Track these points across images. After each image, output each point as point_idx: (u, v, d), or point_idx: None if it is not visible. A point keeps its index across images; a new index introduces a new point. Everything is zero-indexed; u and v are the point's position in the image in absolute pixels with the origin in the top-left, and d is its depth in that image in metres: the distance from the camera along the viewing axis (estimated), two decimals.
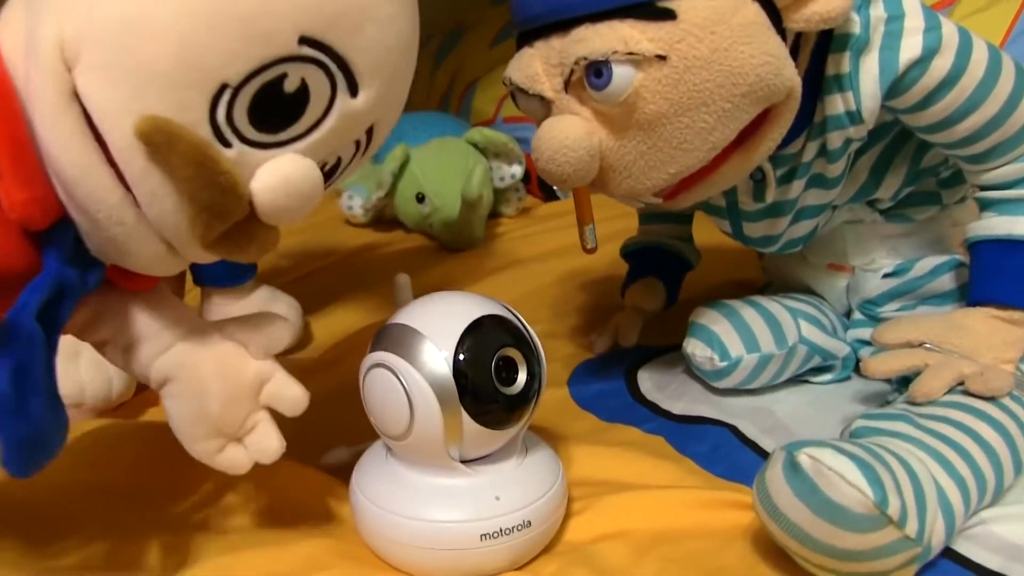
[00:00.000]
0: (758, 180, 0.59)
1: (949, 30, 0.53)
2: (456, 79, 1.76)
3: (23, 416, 0.34)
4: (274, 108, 0.34)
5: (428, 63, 1.89)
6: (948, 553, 0.45)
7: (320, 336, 0.81)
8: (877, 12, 0.52)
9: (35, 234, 0.36)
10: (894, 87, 0.53)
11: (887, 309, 0.65)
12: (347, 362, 0.72)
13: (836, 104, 0.54)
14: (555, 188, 1.28)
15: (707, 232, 0.96)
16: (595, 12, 0.48)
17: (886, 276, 0.65)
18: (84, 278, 0.38)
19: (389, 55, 0.37)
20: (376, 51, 0.36)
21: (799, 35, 0.52)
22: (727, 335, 0.62)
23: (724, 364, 0.61)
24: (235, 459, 0.44)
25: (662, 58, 0.47)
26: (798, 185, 0.59)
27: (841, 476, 0.40)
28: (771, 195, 0.59)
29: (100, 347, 0.44)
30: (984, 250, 0.57)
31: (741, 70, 0.47)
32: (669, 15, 0.47)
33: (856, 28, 0.52)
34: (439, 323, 0.44)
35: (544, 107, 0.53)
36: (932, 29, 0.52)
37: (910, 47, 0.52)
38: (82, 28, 0.32)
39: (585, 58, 0.48)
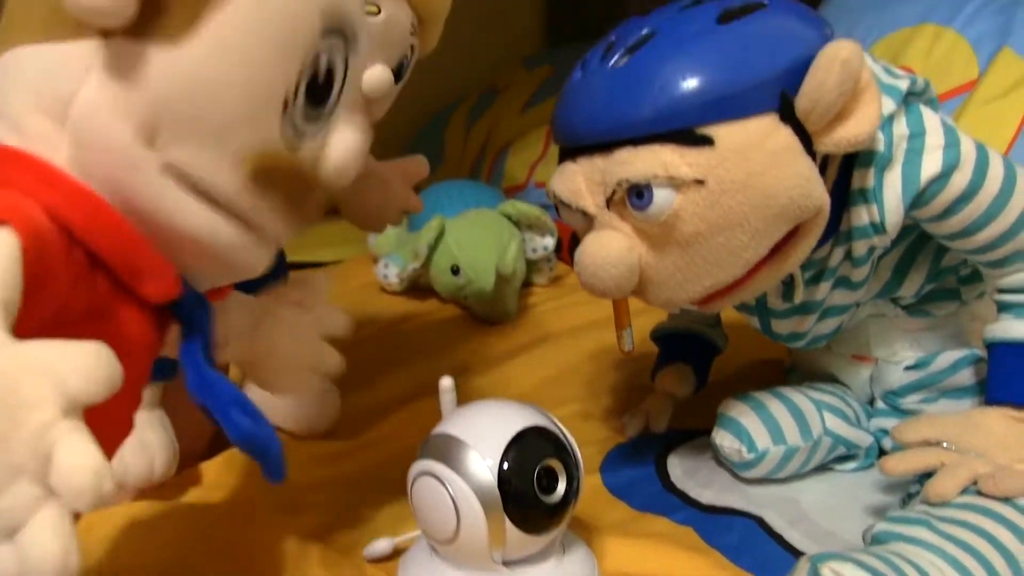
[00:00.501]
0: (787, 283, 0.62)
1: (968, 147, 0.56)
2: (489, 141, 1.80)
3: (268, 442, 0.40)
4: (317, 91, 0.39)
5: (463, 122, 1.94)
6: None
7: (356, 412, 0.82)
8: (900, 130, 0.55)
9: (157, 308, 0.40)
10: (916, 201, 0.56)
11: (909, 400, 0.67)
12: (386, 446, 0.75)
13: (861, 215, 0.57)
14: None
15: (737, 315, 1.00)
16: (638, 137, 0.51)
17: (908, 368, 0.67)
18: (206, 315, 0.42)
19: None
20: (363, 16, 0.41)
21: (827, 159, 0.55)
22: (754, 428, 0.64)
23: (751, 456, 0.64)
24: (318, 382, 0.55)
25: (700, 182, 0.50)
26: (825, 287, 0.62)
27: None
28: (799, 296, 0.62)
29: None
30: (1001, 352, 0.59)
31: (774, 192, 0.50)
32: (707, 141, 0.50)
33: (880, 146, 0.55)
34: (484, 434, 0.47)
35: (587, 221, 0.56)
36: (951, 146, 0.55)
37: (931, 163, 0.55)
38: (149, 111, 0.34)
39: (628, 180, 0.51)
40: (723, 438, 0.65)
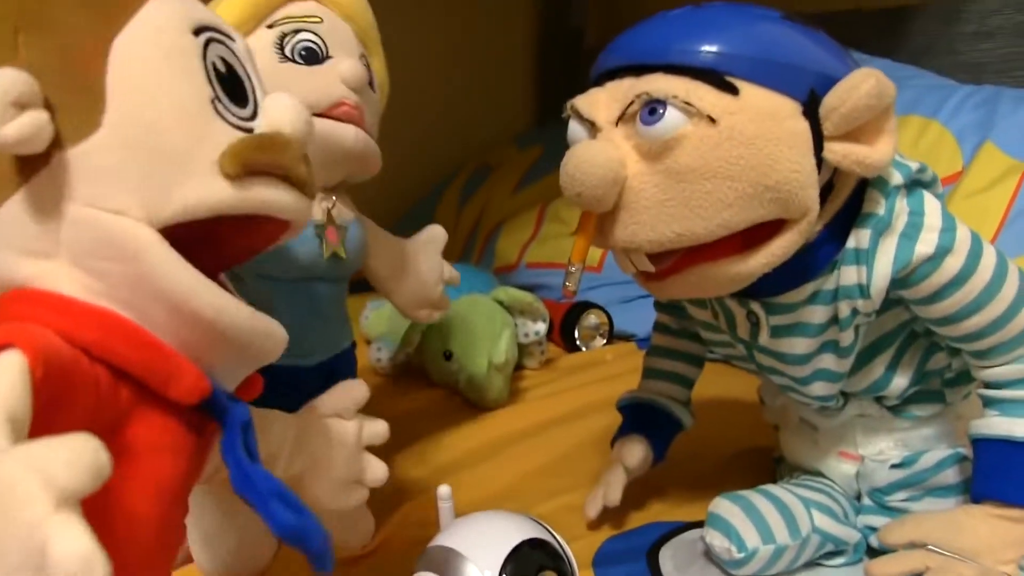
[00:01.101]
0: (753, 323, 0.64)
1: (963, 234, 0.58)
2: (481, 220, 1.84)
3: (313, 533, 0.40)
4: (231, 86, 0.42)
5: (455, 199, 1.97)
6: None
7: None
8: (901, 204, 0.57)
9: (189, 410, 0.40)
10: (906, 278, 0.57)
11: (895, 498, 0.69)
12: (382, 555, 0.74)
13: (851, 275, 0.59)
14: (577, 340, 1.33)
15: (727, 402, 1.01)
16: (671, 64, 0.53)
17: (894, 467, 0.68)
18: (242, 410, 0.43)
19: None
20: (208, 12, 0.44)
21: (831, 188, 0.58)
22: (744, 527, 0.66)
23: (742, 555, 0.65)
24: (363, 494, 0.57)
25: (713, 120, 0.51)
26: (803, 343, 0.63)
27: None
28: (763, 337, 0.64)
29: None
30: (985, 448, 0.61)
31: (773, 164, 0.52)
32: (733, 89, 0.52)
33: (881, 210, 0.57)
34: (482, 547, 0.48)
35: (591, 135, 0.58)
36: (948, 231, 0.57)
37: (926, 242, 0.57)
38: (128, 187, 0.37)
39: (648, 93, 0.53)
40: (714, 537, 0.66)
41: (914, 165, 0.58)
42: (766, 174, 0.52)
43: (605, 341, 1.35)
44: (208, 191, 0.38)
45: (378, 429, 0.57)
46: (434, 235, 0.82)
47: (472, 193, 1.93)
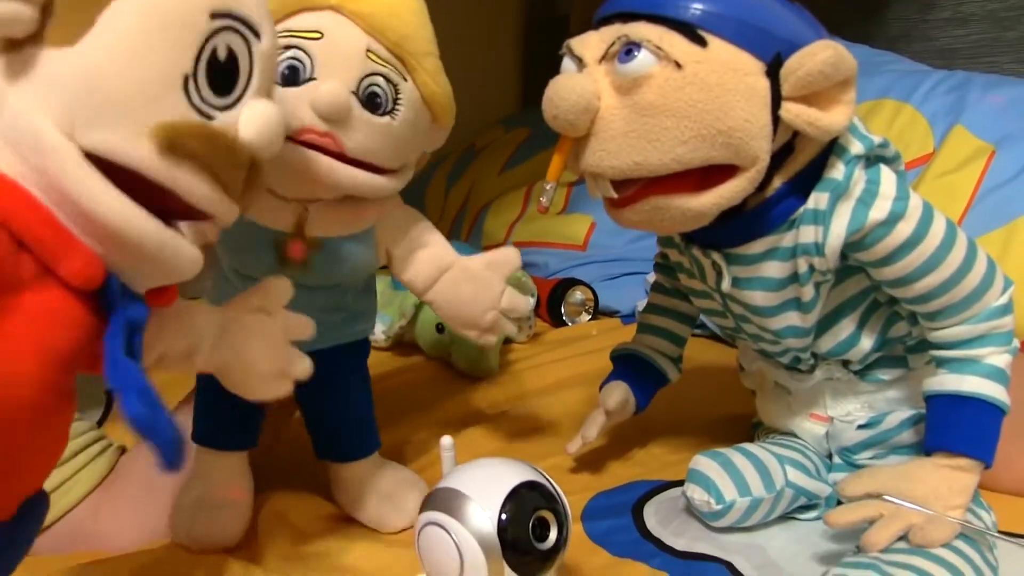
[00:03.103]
0: (717, 272, 0.69)
1: (916, 203, 0.62)
2: (469, 201, 1.87)
3: (163, 430, 0.41)
4: (222, 74, 0.43)
5: (443, 182, 2.01)
6: None
7: None
8: (860, 173, 0.62)
9: (89, 294, 0.42)
10: (860, 240, 0.62)
11: (862, 456, 0.74)
12: None
13: (809, 234, 0.63)
14: (563, 315, 1.38)
15: (710, 371, 1.06)
16: (653, 15, 0.59)
17: (860, 427, 0.74)
18: (138, 311, 0.44)
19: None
20: (258, 6, 0.46)
21: (792, 149, 0.63)
22: (722, 481, 0.71)
23: (720, 507, 0.70)
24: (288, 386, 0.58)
25: (679, 66, 0.57)
26: (763, 296, 0.68)
27: None
28: (725, 285, 0.69)
29: (159, 362, 0.53)
30: (935, 403, 0.65)
31: (728, 111, 0.57)
32: (702, 42, 0.58)
33: (840, 176, 0.62)
34: (484, 488, 0.52)
35: (579, 70, 0.63)
36: (901, 199, 0.61)
37: (879, 209, 0.61)
38: (62, 103, 0.39)
39: (627, 36, 0.59)
40: (693, 491, 0.72)
41: (877, 139, 0.63)
42: (720, 119, 0.57)
43: (590, 317, 1.40)
44: (129, 146, 0.40)
45: (301, 323, 0.58)
46: (502, 259, 0.75)
47: (459, 176, 1.97)
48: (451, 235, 1.84)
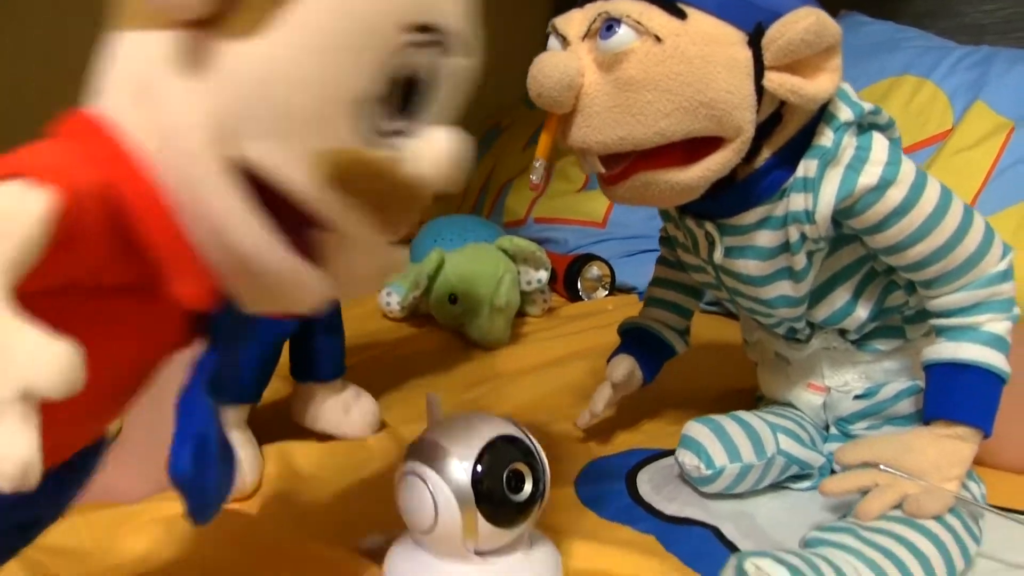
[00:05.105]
0: (710, 242, 0.70)
1: (907, 168, 0.62)
2: (492, 177, 1.88)
3: (201, 490, 0.40)
4: (404, 96, 0.37)
5: None
6: None
7: None
8: (850, 139, 0.62)
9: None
10: (850, 207, 0.62)
11: (857, 427, 0.74)
12: (386, 459, 0.81)
13: (799, 201, 0.63)
14: (579, 290, 1.39)
15: (719, 347, 1.07)
16: None
17: (857, 398, 0.74)
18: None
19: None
20: (458, 10, 0.39)
21: (780, 118, 0.63)
22: (712, 446, 0.71)
23: (709, 472, 0.71)
24: None
25: (659, 39, 0.57)
26: (756, 265, 0.68)
27: None
28: (718, 255, 0.69)
29: None
30: (934, 372, 0.65)
31: (709, 83, 0.57)
32: (681, 15, 0.58)
33: (829, 143, 0.62)
34: (462, 440, 0.53)
35: (563, 48, 0.63)
36: (892, 165, 0.61)
37: (869, 175, 0.61)
38: (220, 103, 0.34)
39: (608, 12, 0.59)
40: (684, 455, 0.72)
41: (868, 106, 0.63)
42: (701, 91, 0.57)
43: (607, 292, 1.41)
44: (291, 168, 0.34)
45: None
46: None
47: (484, 153, 1.98)
48: (474, 210, 1.85)
